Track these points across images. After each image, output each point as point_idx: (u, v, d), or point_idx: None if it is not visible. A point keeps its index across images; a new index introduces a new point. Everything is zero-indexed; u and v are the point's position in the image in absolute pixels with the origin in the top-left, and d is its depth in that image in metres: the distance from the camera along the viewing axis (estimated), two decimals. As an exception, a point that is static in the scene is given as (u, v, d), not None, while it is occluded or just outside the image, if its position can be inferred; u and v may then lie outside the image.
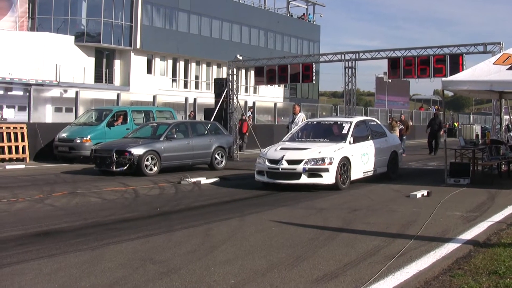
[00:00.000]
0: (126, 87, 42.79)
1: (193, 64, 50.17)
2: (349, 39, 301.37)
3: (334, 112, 37.52)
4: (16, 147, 19.64)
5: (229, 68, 22.46)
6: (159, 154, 16.07)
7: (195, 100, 28.14)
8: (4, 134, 19.44)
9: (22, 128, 19.96)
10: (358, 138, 13.73)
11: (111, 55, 44.54)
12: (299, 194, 12.07)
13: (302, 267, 6.11)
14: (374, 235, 7.75)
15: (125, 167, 15.51)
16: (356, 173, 13.32)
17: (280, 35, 57.37)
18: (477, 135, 18.58)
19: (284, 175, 12.57)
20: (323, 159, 12.40)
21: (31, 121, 21.12)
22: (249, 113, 29.87)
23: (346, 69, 19.27)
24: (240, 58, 23.01)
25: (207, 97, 32.74)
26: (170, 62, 48.06)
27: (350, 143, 13.33)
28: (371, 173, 14.03)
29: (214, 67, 51.75)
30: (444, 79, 14.24)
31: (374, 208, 10.27)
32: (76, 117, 22.41)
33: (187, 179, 14.10)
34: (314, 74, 20.24)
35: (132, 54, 44.36)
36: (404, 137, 24.69)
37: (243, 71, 47.55)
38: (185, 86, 49.26)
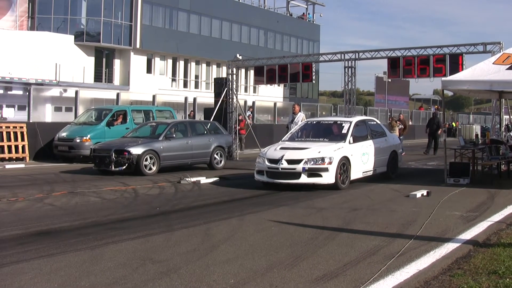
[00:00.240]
0: (125, 86, 42.77)
1: (193, 64, 50.16)
2: (349, 38, 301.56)
3: (334, 111, 37.53)
4: (16, 147, 19.64)
5: (229, 67, 22.46)
6: (158, 154, 16.07)
7: (194, 99, 28.15)
8: (4, 133, 19.44)
9: (21, 127, 19.96)
10: (357, 138, 13.73)
11: (111, 55, 44.52)
12: (298, 193, 12.07)
13: (302, 267, 6.11)
14: (373, 235, 7.75)
15: (124, 167, 15.51)
16: (355, 173, 13.32)
17: (279, 34, 57.36)
18: (476, 135, 18.59)
19: (283, 174, 12.57)
20: (322, 159, 12.40)
21: (30, 121, 21.13)
22: (248, 113, 29.88)
23: (346, 69, 19.27)
24: (240, 57, 23.01)
25: (206, 96, 32.75)
26: (170, 61, 48.05)
27: (349, 142, 13.33)
28: (370, 173, 14.03)
29: (214, 66, 51.74)
30: (444, 78, 14.24)
31: (374, 208, 10.27)
32: (75, 116, 22.41)
33: (187, 179, 14.10)
34: (313, 73, 20.24)
35: (131, 53, 44.33)
36: (401, 137, 24.63)
37: (243, 70, 47.56)
38: (185, 85, 49.25)
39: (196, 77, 50.71)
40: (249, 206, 10.62)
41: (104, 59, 44.01)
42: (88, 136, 19.34)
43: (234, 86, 22.43)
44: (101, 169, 15.93)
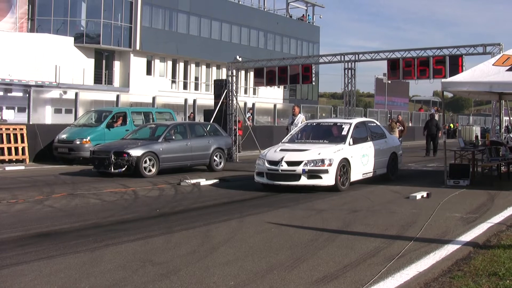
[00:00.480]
0: (125, 88, 42.76)
1: (193, 65, 50.17)
2: (349, 40, 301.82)
3: (334, 113, 37.53)
4: (16, 148, 19.64)
5: (229, 69, 22.47)
6: (158, 156, 16.06)
7: (194, 101, 28.16)
8: (4, 135, 19.44)
9: (21, 129, 19.96)
10: (357, 140, 13.73)
11: (111, 56, 44.53)
12: (298, 195, 12.07)
13: (302, 269, 6.11)
14: (373, 237, 7.75)
15: (124, 169, 15.49)
16: (355, 175, 13.32)
17: (279, 36, 57.37)
18: (476, 136, 18.58)
19: (283, 176, 12.56)
20: (322, 161, 12.40)
21: (30, 122, 21.12)
22: (248, 114, 29.89)
23: (346, 70, 19.28)
24: (240, 59, 23.04)
25: (206, 98, 32.75)
26: (170, 63, 48.05)
27: (349, 144, 13.33)
28: (370, 175, 14.03)
29: (214, 68, 51.75)
30: (443, 80, 14.24)
31: (374, 210, 10.27)
32: (75, 118, 22.42)
33: (187, 181, 14.10)
34: (313, 75, 20.24)
35: (131, 55, 44.34)
36: (400, 139, 24.62)
37: (243, 72, 47.63)
38: (185, 87, 49.25)
39: (196, 78, 50.71)
40: (249, 208, 10.62)
41: (104, 61, 44.02)
42: (88, 138, 19.34)
43: (234, 87, 22.44)
44: (100, 171, 15.92)
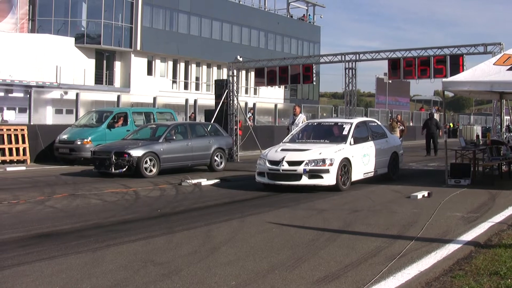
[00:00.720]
0: (126, 88, 42.79)
1: (194, 66, 50.19)
2: (350, 40, 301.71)
3: (335, 113, 37.52)
4: (17, 149, 19.66)
5: (230, 69, 22.46)
6: (158, 156, 16.06)
7: (195, 101, 28.16)
8: (5, 136, 19.45)
9: (22, 130, 19.98)
10: (358, 139, 13.73)
11: (112, 57, 44.57)
12: (299, 195, 12.06)
13: (303, 268, 6.11)
14: (374, 236, 7.75)
15: (124, 169, 15.49)
16: (356, 174, 13.32)
17: (280, 36, 57.38)
18: (477, 136, 18.57)
19: (284, 176, 12.57)
20: (323, 160, 12.40)
21: (31, 123, 21.13)
22: (249, 114, 29.88)
23: (347, 70, 19.27)
24: (241, 59, 23.05)
25: (207, 98, 32.75)
26: (171, 63, 48.08)
27: (350, 144, 13.33)
28: (371, 174, 14.03)
29: (215, 68, 51.77)
30: (444, 79, 14.24)
31: (375, 209, 10.27)
32: (76, 118, 22.42)
33: (188, 181, 14.10)
34: (314, 75, 20.22)
35: (132, 55, 44.38)
36: (401, 139, 24.58)
37: (244, 72, 47.60)
38: (186, 87, 49.27)
39: (197, 79, 50.74)
40: (250, 207, 10.62)
41: (104, 61, 44.05)
42: (89, 138, 19.35)
43: (235, 87, 22.43)
44: (101, 171, 15.93)
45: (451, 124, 50.71)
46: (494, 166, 15.44)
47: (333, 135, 14.04)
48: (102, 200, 11.50)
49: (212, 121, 21.20)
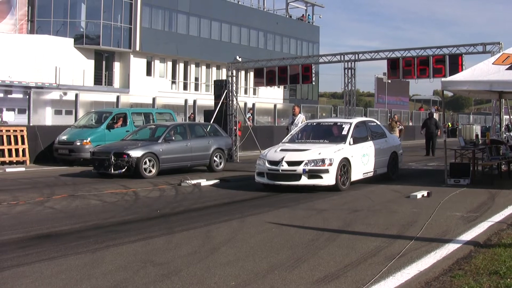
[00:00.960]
0: (125, 89, 42.79)
1: (193, 66, 50.20)
2: (349, 40, 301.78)
3: (334, 113, 37.52)
4: (16, 150, 19.64)
5: (229, 69, 22.47)
6: (158, 156, 16.06)
7: (194, 102, 28.16)
8: (4, 137, 19.44)
9: (22, 131, 19.96)
10: (358, 139, 13.73)
11: (111, 57, 44.56)
12: (299, 195, 12.07)
13: (303, 269, 6.11)
14: (374, 236, 7.75)
15: (124, 170, 15.49)
16: (356, 174, 13.32)
17: (279, 36, 57.38)
18: (477, 135, 18.59)
19: (284, 176, 12.57)
20: (323, 160, 12.40)
21: (31, 124, 21.13)
22: (249, 115, 29.88)
23: (346, 70, 19.27)
24: (240, 59, 23.03)
25: (206, 98, 32.76)
26: (170, 64, 48.08)
27: (350, 144, 13.33)
28: (371, 174, 14.03)
29: (214, 68, 51.77)
30: (443, 79, 14.24)
31: (374, 209, 10.27)
32: (76, 119, 22.41)
33: (187, 181, 14.10)
34: (313, 75, 20.23)
35: (131, 56, 44.37)
36: (399, 138, 24.57)
37: (243, 72, 47.64)
38: (185, 88, 49.27)
39: (196, 79, 50.74)
40: (249, 208, 10.62)
41: (104, 62, 44.04)
42: (88, 139, 19.33)
43: (234, 88, 22.44)
44: (100, 172, 15.92)
45: (449, 124, 50.71)
46: (494, 166, 15.44)
47: (332, 135, 14.04)
48: (102, 200, 11.50)
49: (211, 122, 21.19)
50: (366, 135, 14.29)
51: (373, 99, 73.46)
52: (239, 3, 53.51)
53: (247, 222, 9.01)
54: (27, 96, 22.79)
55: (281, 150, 13.18)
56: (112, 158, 15.55)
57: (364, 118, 16.35)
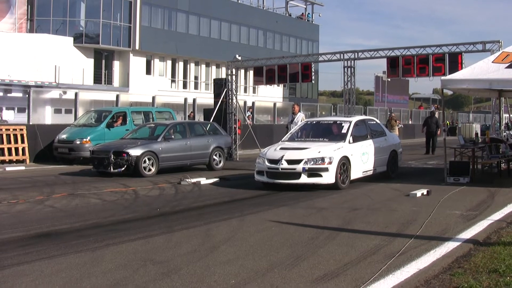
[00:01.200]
0: (125, 88, 42.78)
1: (192, 65, 50.19)
2: (348, 38, 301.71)
3: (334, 111, 37.50)
4: (16, 149, 19.65)
5: (228, 68, 22.46)
6: (157, 155, 16.06)
7: (194, 100, 28.14)
8: (4, 136, 19.44)
9: (21, 129, 19.96)
10: (357, 138, 13.73)
11: (110, 56, 44.55)
12: (299, 193, 12.07)
13: (302, 267, 6.12)
14: (374, 234, 7.76)
15: (123, 168, 15.49)
16: (355, 173, 13.33)
17: (279, 35, 57.38)
18: (476, 134, 18.60)
19: (283, 175, 12.57)
20: (322, 159, 12.40)
21: (30, 123, 21.12)
22: (248, 113, 29.88)
23: (345, 69, 19.27)
24: (239, 58, 22.99)
25: (206, 97, 32.73)
26: (169, 62, 48.06)
27: (349, 142, 13.33)
28: (370, 173, 14.03)
29: (213, 67, 51.76)
30: (443, 78, 14.22)
31: (374, 208, 10.28)
32: (75, 118, 22.41)
33: (187, 180, 14.10)
34: (313, 73, 20.23)
35: (131, 55, 44.36)
36: None
37: (242, 71, 47.54)
38: (184, 86, 49.27)
39: (196, 78, 50.74)
40: (249, 206, 10.63)
41: (103, 61, 44.04)
42: (88, 138, 19.34)
43: (234, 86, 22.43)
44: (100, 171, 15.92)
45: (448, 122, 50.73)
46: (493, 164, 15.46)
47: (332, 133, 14.05)
48: (102, 199, 11.51)
49: (211, 120, 21.19)
50: (365, 133, 14.29)
51: (372, 97, 73.43)
52: (239, 1, 53.49)
53: (246, 221, 9.01)
54: (27, 95, 22.76)
55: (281, 148, 13.18)
56: (112, 157, 15.55)
57: (363, 117, 16.34)
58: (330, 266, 6.16)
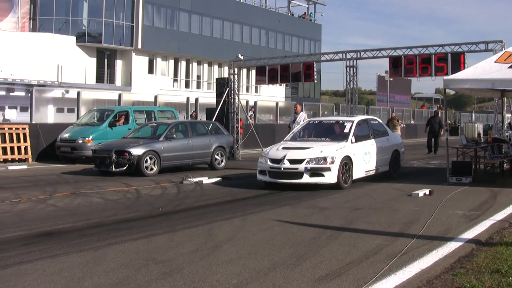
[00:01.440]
0: (127, 87, 42.81)
1: (195, 64, 50.20)
2: (351, 38, 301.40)
3: (336, 111, 37.51)
4: (19, 148, 19.68)
5: (231, 67, 22.46)
6: (159, 154, 16.06)
7: (196, 100, 28.15)
8: (7, 134, 19.47)
9: (24, 128, 19.99)
10: (359, 137, 13.72)
11: (113, 55, 44.57)
12: (301, 193, 12.07)
13: (305, 267, 6.12)
14: (376, 234, 7.75)
15: (125, 168, 15.50)
16: (358, 172, 13.32)
17: (281, 34, 57.37)
18: (479, 134, 18.56)
19: (286, 174, 12.57)
20: (325, 158, 12.40)
21: (33, 122, 21.14)
22: (250, 113, 29.88)
23: (348, 68, 19.25)
24: (242, 57, 23.00)
25: (208, 96, 32.74)
26: (172, 62, 48.08)
27: (351, 142, 13.33)
28: (373, 172, 14.03)
29: (216, 66, 51.77)
30: (445, 77, 14.21)
31: (376, 207, 10.28)
32: (78, 117, 22.42)
33: (189, 179, 14.11)
34: (315, 73, 20.20)
35: (133, 54, 44.38)
36: None
37: (245, 70, 47.51)
38: (187, 86, 49.29)
39: (198, 77, 50.75)
40: (251, 206, 10.63)
41: (105, 60, 44.07)
42: (91, 137, 19.36)
43: (236, 86, 22.42)
44: (102, 170, 15.92)
45: (449, 122, 50.68)
46: (496, 164, 15.43)
47: (334, 133, 14.05)
48: (104, 198, 11.52)
49: (213, 120, 21.19)
50: (368, 133, 14.29)
51: (375, 97, 73.33)
52: (241, 1, 53.48)
53: (249, 220, 9.02)
54: (29, 94, 22.79)
55: (283, 148, 13.18)
56: (113, 156, 15.56)
57: (366, 116, 16.33)
58: (332, 266, 6.16)
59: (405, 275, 5.76)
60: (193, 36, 48.13)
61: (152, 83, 44.08)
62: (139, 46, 43.99)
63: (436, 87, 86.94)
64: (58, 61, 38.34)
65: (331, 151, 12.61)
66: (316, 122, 15.52)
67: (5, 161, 19.19)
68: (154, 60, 46.42)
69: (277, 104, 32.79)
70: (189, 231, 8.17)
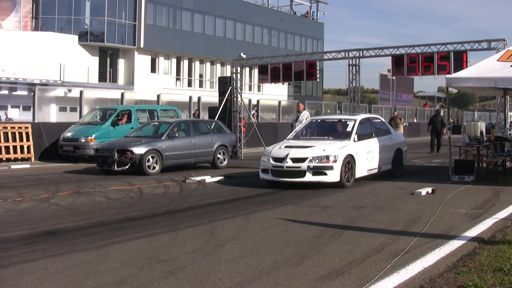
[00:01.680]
0: (130, 86, 42.84)
1: (197, 63, 50.21)
2: (353, 36, 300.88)
3: (338, 109, 37.47)
4: (21, 147, 19.71)
5: (233, 66, 22.47)
6: (161, 153, 16.06)
7: (199, 98, 28.16)
8: (9, 134, 19.51)
9: (27, 128, 20.02)
10: (362, 136, 13.72)
11: (115, 54, 44.58)
12: (303, 192, 12.08)
13: (307, 265, 6.12)
14: (378, 233, 7.75)
15: (127, 167, 15.52)
16: (360, 171, 13.31)
17: (283, 33, 57.34)
18: (481, 132, 18.54)
19: (288, 173, 12.57)
20: (327, 157, 12.40)
21: (35, 121, 21.16)
22: (253, 111, 29.87)
23: (350, 67, 19.26)
24: (244, 56, 23.00)
25: (211, 95, 32.78)
26: (174, 61, 48.08)
27: (354, 140, 13.32)
28: (375, 171, 14.02)
29: (218, 65, 51.76)
30: (448, 76, 14.20)
31: (379, 206, 10.27)
32: (80, 116, 22.45)
33: (192, 178, 14.11)
34: (318, 72, 20.20)
35: (136, 53, 44.39)
36: None
37: (247, 69, 47.59)
38: (189, 84, 49.29)
39: (201, 76, 50.75)
40: (254, 204, 10.63)
41: (108, 59, 44.08)
42: (93, 136, 19.38)
43: (239, 85, 22.44)
44: (104, 169, 15.93)
45: (452, 120, 50.62)
46: (498, 163, 15.41)
47: (337, 132, 14.04)
48: (107, 197, 11.53)
49: (216, 118, 21.20)
50: (370, 131, 14.28)
51: (377, 96, 73.29)
52: (243, 0, 53.44)
53: (251, 219, 9.02)
54: (32, 93, 22.80)
55: (286, 146, 13.18)
56: (116, 155, 15.57)
57: (368, 115, 16.33)
58: (335, 264, 6.16)
59: (407, 273, 5.75)
60: (196, 35, 48.13)
61: (154, 82, 44.11)
62: (142, 45, 44.00)
63: (439, 86, 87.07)
64: (61, 60, 38.37)
65: (334, 150, 12.61)
66: (319, 120, 15.52)
67: (8, 160, 19.22)
68: (157, 59, 46.44)
69: (279, 102, 32.79)
70: (191, 230, 8.17)
